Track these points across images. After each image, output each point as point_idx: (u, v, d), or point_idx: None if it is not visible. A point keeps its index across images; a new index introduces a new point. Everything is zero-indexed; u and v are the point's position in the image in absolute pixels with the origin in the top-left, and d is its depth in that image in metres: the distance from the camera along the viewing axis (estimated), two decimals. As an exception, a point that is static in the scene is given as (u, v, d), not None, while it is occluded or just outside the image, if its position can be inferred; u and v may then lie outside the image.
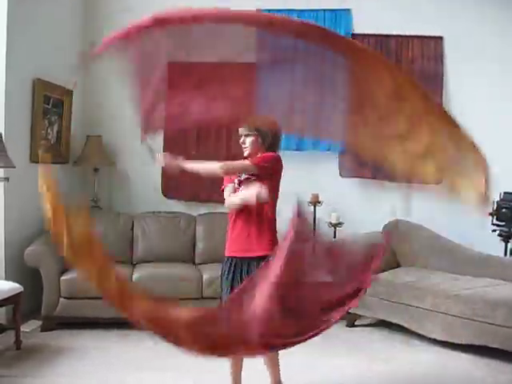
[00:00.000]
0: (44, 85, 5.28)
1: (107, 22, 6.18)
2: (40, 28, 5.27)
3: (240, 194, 3.24)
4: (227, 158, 5.87)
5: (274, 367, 3.44)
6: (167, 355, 4.33)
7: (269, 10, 5.97)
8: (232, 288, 3.22)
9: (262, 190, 3.05)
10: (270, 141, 3.27)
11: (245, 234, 3.27)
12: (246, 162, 3.24)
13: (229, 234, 3.36)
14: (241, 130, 3.34)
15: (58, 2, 5.64)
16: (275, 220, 3.28)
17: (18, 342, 4.34)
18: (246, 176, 3.27)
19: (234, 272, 3.27)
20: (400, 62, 5.96)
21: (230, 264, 3.29)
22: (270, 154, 3.25)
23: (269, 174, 3.20)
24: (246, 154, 3.34)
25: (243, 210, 3.23)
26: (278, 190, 3.28)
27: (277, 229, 3.29)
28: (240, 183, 3.31)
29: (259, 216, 3.22)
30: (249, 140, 3.30)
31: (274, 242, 3.22)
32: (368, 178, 6.00)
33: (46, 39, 5.37)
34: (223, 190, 3.40)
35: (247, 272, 3.21)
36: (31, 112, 5.19)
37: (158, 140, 6.10)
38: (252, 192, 3.10)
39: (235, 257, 3.28)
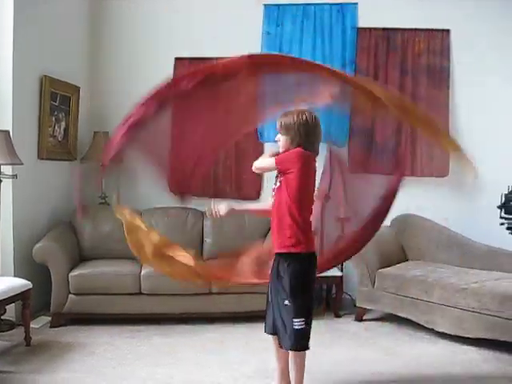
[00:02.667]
0: (51, 82, 5.29)
1: (114, 18, 6.20)
2: (47, 25, 5.28)
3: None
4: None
5: (298, 372, 3.29)
6: (177, 350, 4.39)
7: (276, 5, 5.99)
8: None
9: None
10: (298, 139, 3.19)
11: (272, 229, 3.34)
12: (271, 160, 3.28)
13: None
14: (277, 126, 3.32)
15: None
16: (302, 217, 3.19)
17: (27, 339, 4.35)
18: (279, 184, 3.27)
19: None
20: (406, 56, 5.94)
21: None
22: (294, 150, 3.19)
23: (289, 170, 3.16)
24: (280, 151, 3.33)
25: (273, 206, 3.28)
26: (304, 187, 3.19)
27: (306, 227, 3.23)
28: (273, 190, 3.35)
29: (280, 212, 3.22)
30: (280, 138, 3.29)
31: (295, 239, 3.17)
32: (375, 172, 5.97)
33: (52, 36, 5.38)
34: None
35: (273, 267, 3.29)
36: (39, 109, 5.21)
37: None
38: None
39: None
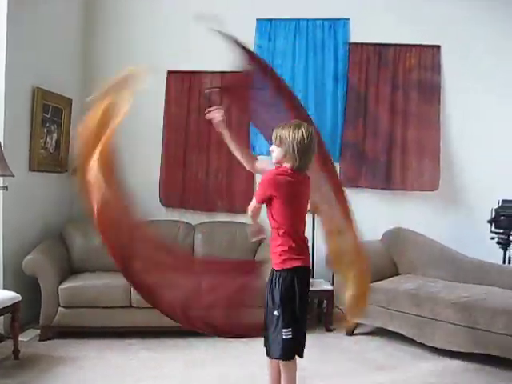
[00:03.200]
0: (43, 94, 5.29)
1: (107, 31, 6.23)
2: (40, 37, 5.29)
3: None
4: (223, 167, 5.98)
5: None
6: (167, 364, 4.37)
7: (268, 20, 6.04)
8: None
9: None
10: (291, 154, 3.16)
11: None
12: (253, 200, 3.27)
13: None
14: (272, 136, 3.28)
15: (58, 12, 5.67)
16: (290, 236, 3.21)
17: (16, 352, 4.32)
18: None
19: None
20: (397, 71, 5.99)
21: None
22: (265, 178, 3.21)
23: (268, 199, 3.18)
24: (273, 161, 3.31)
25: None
26: (289, 208, 3.20)
27: (297, 245, 3.24)
28: None
29: (273, 231, 3.27)
30: (274, 149, 3.26)
31: (283, 257, 3.21)
32: (366, 187, 6.01)
33: (45, 48, 5.39)
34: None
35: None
36: (30, 121, 5.20)
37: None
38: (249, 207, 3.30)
39: None
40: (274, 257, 3.26)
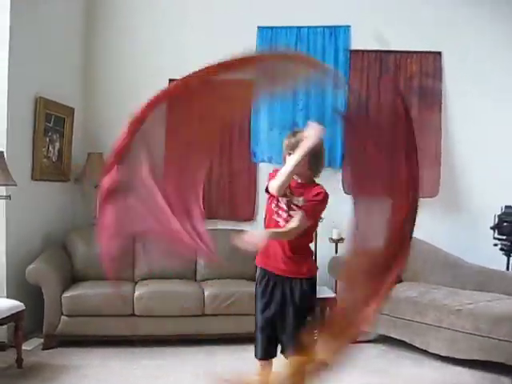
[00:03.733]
0: (46, 103, 5.31)
1: (108, 40, 6.25)
2: (42, 46, 5.31)
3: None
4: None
5: None
6: (170, 372, 4.36)
7: (269, 28, 6.06)
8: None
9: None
10: (313, 162, 3.12)
11: (277, 252, 3.30)
12: (300, 218, 3.10)
13: None
14: (285, 146, 3.19)
15: (60, 21, 5.69)
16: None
17: (19, 361, 4.31)
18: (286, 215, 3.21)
19: None
20: (398, 78, 6.00)
21: None
22: (319, 198, 3.13)
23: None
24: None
25: None
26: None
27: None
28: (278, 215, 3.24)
29: (304, 241, 3.31)
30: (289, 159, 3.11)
31: (312, 265, 3.33)
32: (368, 195, 5.99)
33: (48, 58, 5.41)
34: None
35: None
36: (33, 130, 5.22)
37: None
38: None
39: None
40: (302, 265, 3.24)
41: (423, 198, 5.84)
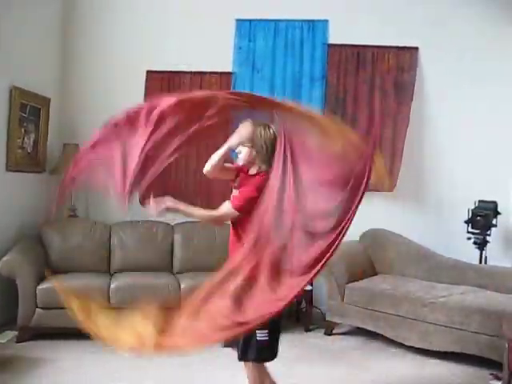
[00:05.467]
0: (21, 93, 5.24)
1: (85, 29, 6.18)
2: (17, 36, 5.23)
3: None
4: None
5: None
6: (143, 366, 4.33)
7: (248, 20, 6.04)
8: None
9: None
10: (264, 154, 3.14)
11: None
12: (228, 207, 3.15)
13: None
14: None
15: (36, 10, 5.61)
16: None
17: (-7, 353, 4.29)
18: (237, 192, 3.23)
19: None
20: (375, 73, 6.03)
21: None
22: (247, 189, 3.13)
23: (251, 208, 3.03)
24: (240, 163, 3.26)
25: None
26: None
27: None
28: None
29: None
30: (243, 150, 3.18)
31: None
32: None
33: (23, 47, 5.34)
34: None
35: None
36: (7, 120, 5.15)
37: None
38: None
39: None
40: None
41: (380, 192, 5.92)
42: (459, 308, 4.47)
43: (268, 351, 3.15)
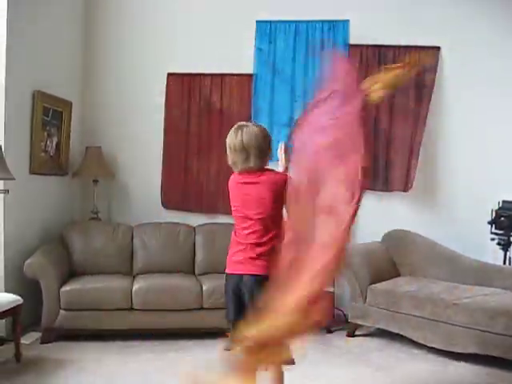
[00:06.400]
0: (44, 97, 5.29)
1: (106, 32, 6.23)
2: (40, 40, 5.29)
3: None
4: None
5: None
6: (167, 367, 4.36)
7: (268, 22, 6.04)
8: None
9: None
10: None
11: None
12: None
13: None
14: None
15: (58, 15, 5.67)
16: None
17: (17, 355, 4.32)
18: None
19: None
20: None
21: None
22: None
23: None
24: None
25: None
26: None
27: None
28: None
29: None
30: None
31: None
32: (366, 188, 6.00)
33: (46, 51, 5.40)
34: None
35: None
36: (30, 124, 5.20)
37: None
38: None
39: None
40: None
41: (414, 191, 5.88)
42: (483, 309, 4.42)
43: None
